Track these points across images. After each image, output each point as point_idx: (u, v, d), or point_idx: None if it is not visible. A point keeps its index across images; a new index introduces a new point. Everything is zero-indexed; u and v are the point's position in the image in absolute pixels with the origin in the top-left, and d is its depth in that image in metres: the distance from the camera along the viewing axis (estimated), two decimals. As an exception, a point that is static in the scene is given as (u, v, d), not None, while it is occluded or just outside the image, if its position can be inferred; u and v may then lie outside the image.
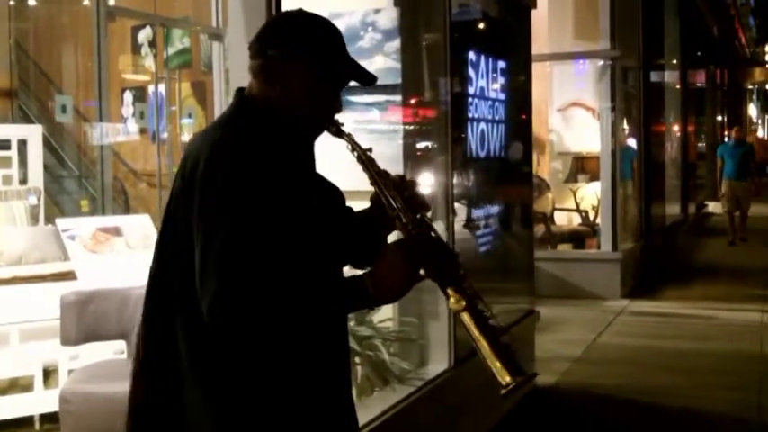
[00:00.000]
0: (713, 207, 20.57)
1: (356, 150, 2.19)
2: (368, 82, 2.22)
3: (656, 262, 12.16)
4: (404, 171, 4.94)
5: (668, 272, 12.13)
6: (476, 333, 1.97)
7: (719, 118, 26.42)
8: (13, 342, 5.65)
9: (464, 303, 1.99)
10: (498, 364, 1.94)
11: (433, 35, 5.27)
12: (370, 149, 2.20)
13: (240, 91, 2.21)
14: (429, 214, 2.18)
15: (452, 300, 2.00)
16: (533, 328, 6.94)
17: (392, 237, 2.35)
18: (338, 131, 2.19)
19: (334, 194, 2.27)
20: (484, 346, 1.96)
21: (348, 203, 2.35)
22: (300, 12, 2.20)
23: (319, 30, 2.17)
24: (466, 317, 1.99)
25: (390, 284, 2.02)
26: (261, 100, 2.14)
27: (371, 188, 2.22)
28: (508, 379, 1.92)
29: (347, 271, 2.29)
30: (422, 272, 2.04)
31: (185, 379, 2.07)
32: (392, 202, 2.13)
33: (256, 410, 2.03)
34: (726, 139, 21.62)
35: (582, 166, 12.60)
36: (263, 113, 2.13)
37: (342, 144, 2.23)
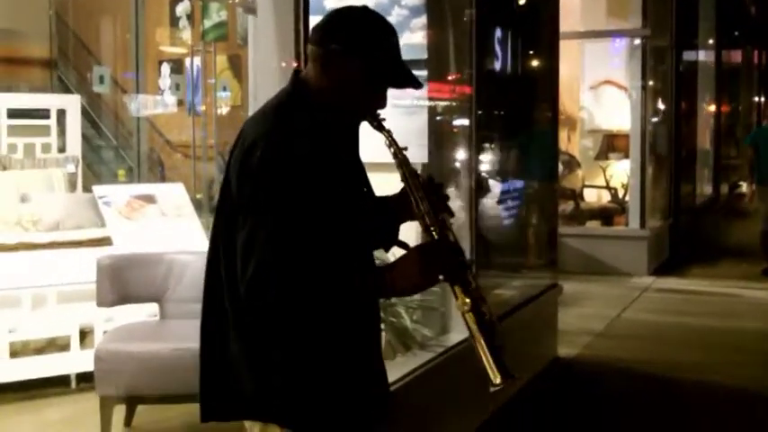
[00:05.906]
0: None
1: (393, 147, 2.32)
2: (415, 87, 2.35)
3: (685, 240, 12.19)
4: (428, 145, 5.05)
5: (696, 251, 12.16)
6: (476, 333, 2.15)
7: (756, 99, 26.12)
8: (51, 304, 5.86)
9: (469, 305, 2.16)
10: (492, 365, 2.14)
11: (459, 11, 5.36)
12: (405, 148, 2.33)
13: (296, 73, 2.36)
14: (451, 219, 2.34)
15: (459, 301, 2.17)
16: (555, 301, 7.04)
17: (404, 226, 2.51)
18: (379, 126, 2.33)
19: (364, 178, 2.42)
20: (482, 345, 2.15)
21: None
22: (365, 10, 2.34)
23: (380, 31, 2.31)
24: (469, 318, 2.16)
25: (408, 284, 2.18)
26: (314, 86, 2.28)
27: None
28: (498, 380, 2.13)
29: None
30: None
31: (229, 334, 2.24)
32: (419, 203, 2.28)
33: (290, 366, 2.20)
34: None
35: (612, 144, 12.61)
36: (314, 100, 2.27)
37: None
